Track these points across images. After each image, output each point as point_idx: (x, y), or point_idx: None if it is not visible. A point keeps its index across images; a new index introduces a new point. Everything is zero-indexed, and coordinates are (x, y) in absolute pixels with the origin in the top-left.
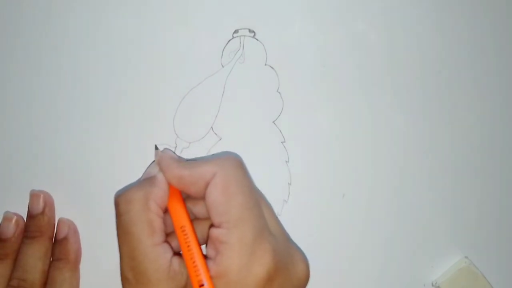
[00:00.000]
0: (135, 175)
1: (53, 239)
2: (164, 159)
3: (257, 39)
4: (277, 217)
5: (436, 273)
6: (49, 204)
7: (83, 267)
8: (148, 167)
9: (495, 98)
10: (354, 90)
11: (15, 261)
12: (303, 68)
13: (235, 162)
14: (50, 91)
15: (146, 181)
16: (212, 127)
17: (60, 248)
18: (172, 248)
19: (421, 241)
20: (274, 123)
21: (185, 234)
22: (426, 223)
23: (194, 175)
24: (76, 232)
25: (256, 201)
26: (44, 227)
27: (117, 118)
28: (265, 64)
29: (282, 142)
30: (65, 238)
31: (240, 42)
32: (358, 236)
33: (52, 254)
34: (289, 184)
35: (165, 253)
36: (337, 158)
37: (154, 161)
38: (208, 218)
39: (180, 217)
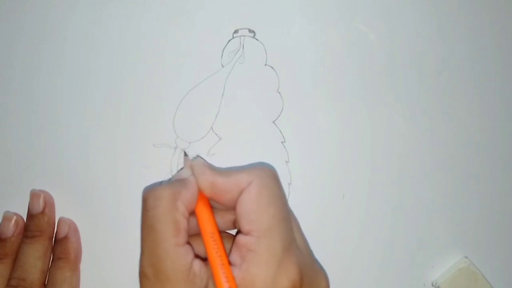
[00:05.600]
0: (135, 175)
1: (53, 239)
2: (197, 165)
3: (257, 39)
4: (303, 233)
5: (436, 273)
6: (49, 203)
7: (83, 267)
8: (179, 171)
9: (495, 98)
10: (354, 90)
11: (15, 261)
12: (303, 68)
13: (271, 174)
14: (50, 91)
15: (177, 182)
16: (212, 127)
17: (61, 248)
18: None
19: (421, 241)
20: (274, 123)
21: (214, 240)
22: (426, 223)
23: (228, 182)
24: (76, 231)
25: (287, 214)
26: (44, 227)
27: (117, 118)
28: (265, 64)
29: (282, 142)
30: (66, 237)
31: (240, 42)
32: (358, 236)
33: (53, 254)
34: (289, 184)
35: (186, 255)
36: (337, 158)
37: (182, 167)
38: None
39: (209, 224)
